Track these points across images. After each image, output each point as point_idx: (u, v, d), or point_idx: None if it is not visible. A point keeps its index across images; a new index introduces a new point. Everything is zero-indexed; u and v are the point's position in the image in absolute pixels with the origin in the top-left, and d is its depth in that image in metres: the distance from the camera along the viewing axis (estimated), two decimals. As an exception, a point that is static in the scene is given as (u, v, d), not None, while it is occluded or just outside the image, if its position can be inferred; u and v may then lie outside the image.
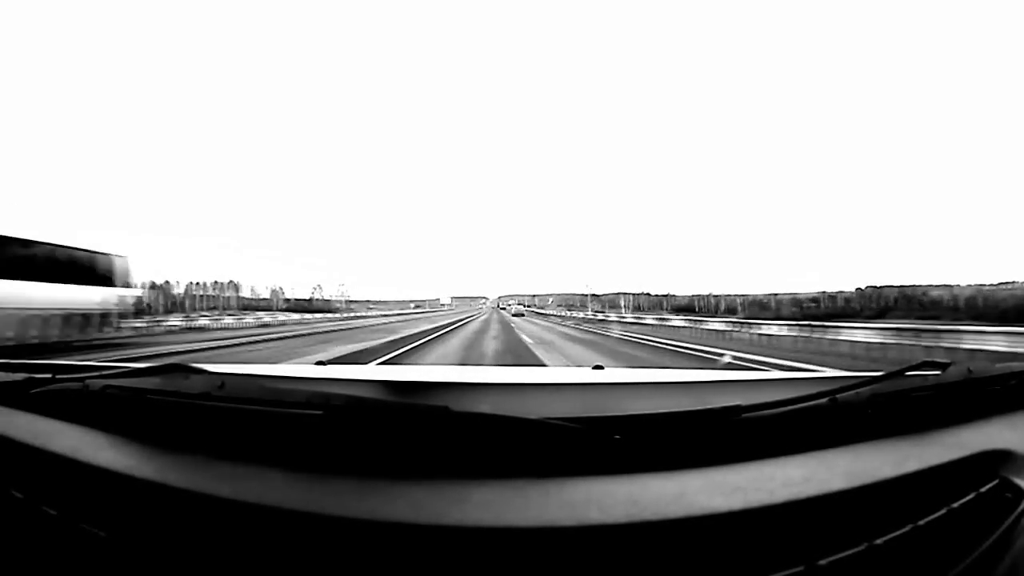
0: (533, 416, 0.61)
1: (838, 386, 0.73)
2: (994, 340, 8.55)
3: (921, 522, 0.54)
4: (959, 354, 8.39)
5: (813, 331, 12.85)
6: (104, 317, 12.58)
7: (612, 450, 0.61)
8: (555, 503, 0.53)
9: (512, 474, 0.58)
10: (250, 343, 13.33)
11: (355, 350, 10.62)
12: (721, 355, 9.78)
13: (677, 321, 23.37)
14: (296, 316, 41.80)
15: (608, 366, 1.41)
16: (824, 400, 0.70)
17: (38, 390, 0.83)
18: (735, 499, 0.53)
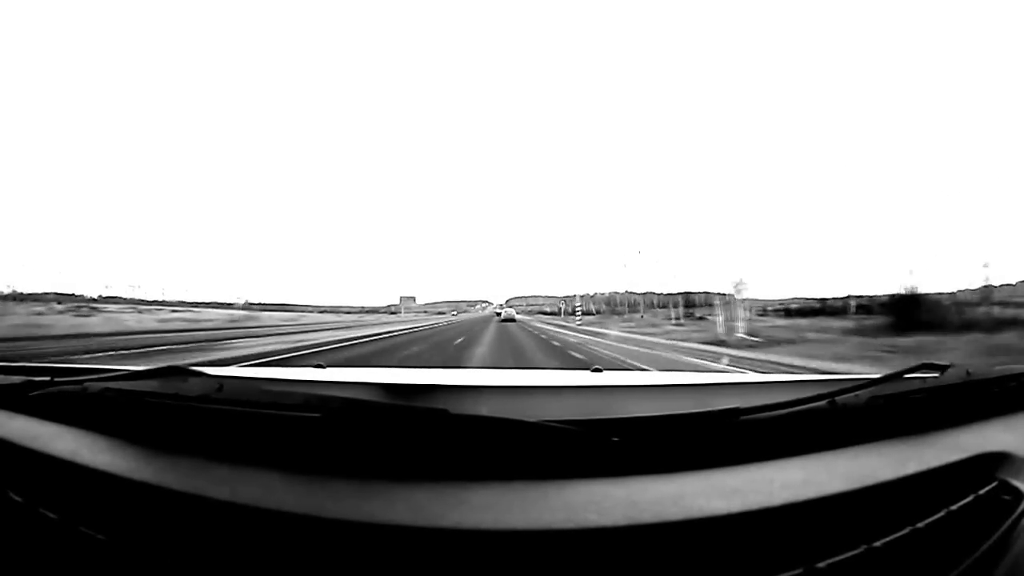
0: (531, 419, 0.61)
1: (837, 388, 0.73)
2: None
3: (920, 524, 0.54)
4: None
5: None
6: None
7: (610, 452, 0.61)
8: (554, 505, 0.53)
9: (511, 476, 0.58)
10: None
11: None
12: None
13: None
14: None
15: (606, 369, 1.40)
16: (823, 402, 0.70)
17: (37, 393, 0.83)
18: (734, 502, 0.53)
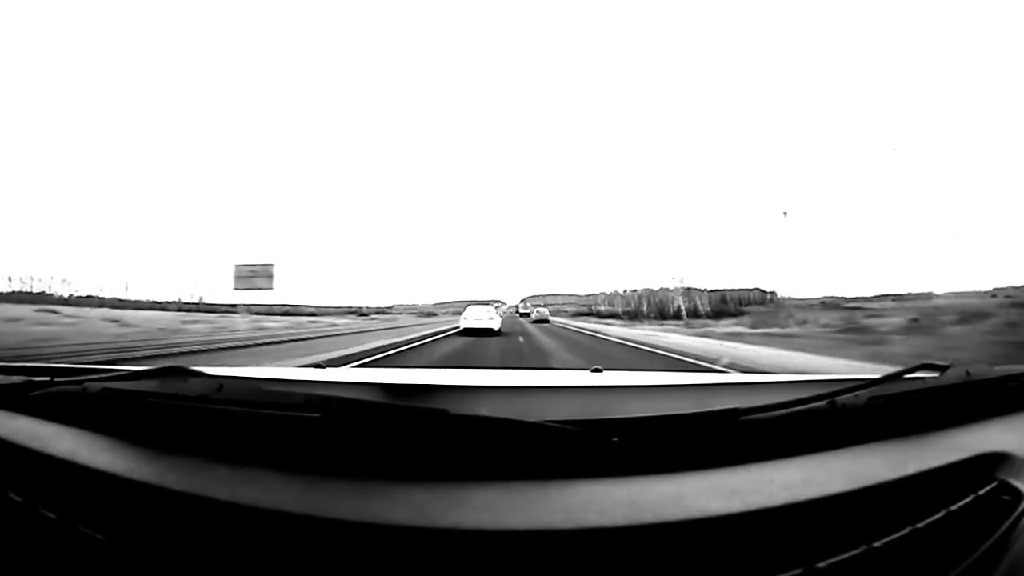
0: (532, 419, 0.61)
1: (837, 389, 0.73)
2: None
3: (920, 525, 0.54)
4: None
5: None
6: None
7: (610, 452, 0.61)
8: (554, 506, 0.53)
9: (511, 476, 0.58)
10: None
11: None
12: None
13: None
14: None
15: (607, 369, 1.40)
16: (823, 403, 0.70)
17: (36, 393, 0.83)
18: (734, 502, 0.53)
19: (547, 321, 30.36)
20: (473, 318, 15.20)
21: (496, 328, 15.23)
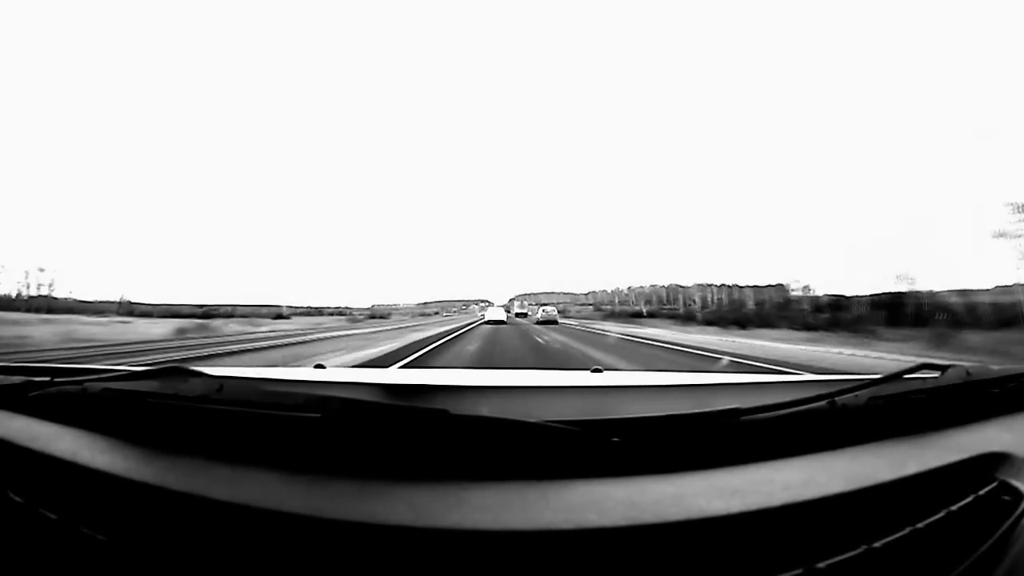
0: (532, 419, 0.61)
1: (837, 389, 0.73)
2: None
3: (920, 525, 0.54)
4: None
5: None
6: None
7: (610, 453, 0.61)
8: (554, 506, 0.53)
9: (511, 477, 0.58)
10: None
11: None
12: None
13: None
14: None
15: (607, 369, 1.41)
16: (823, 403, 0.70)
17: (36, 393, 0.83)
18: (734, 502, 0.53)
19: (555, 322, 26.72)
20: (492, 314, 27.67)
21: (505, 320, 26.80)
